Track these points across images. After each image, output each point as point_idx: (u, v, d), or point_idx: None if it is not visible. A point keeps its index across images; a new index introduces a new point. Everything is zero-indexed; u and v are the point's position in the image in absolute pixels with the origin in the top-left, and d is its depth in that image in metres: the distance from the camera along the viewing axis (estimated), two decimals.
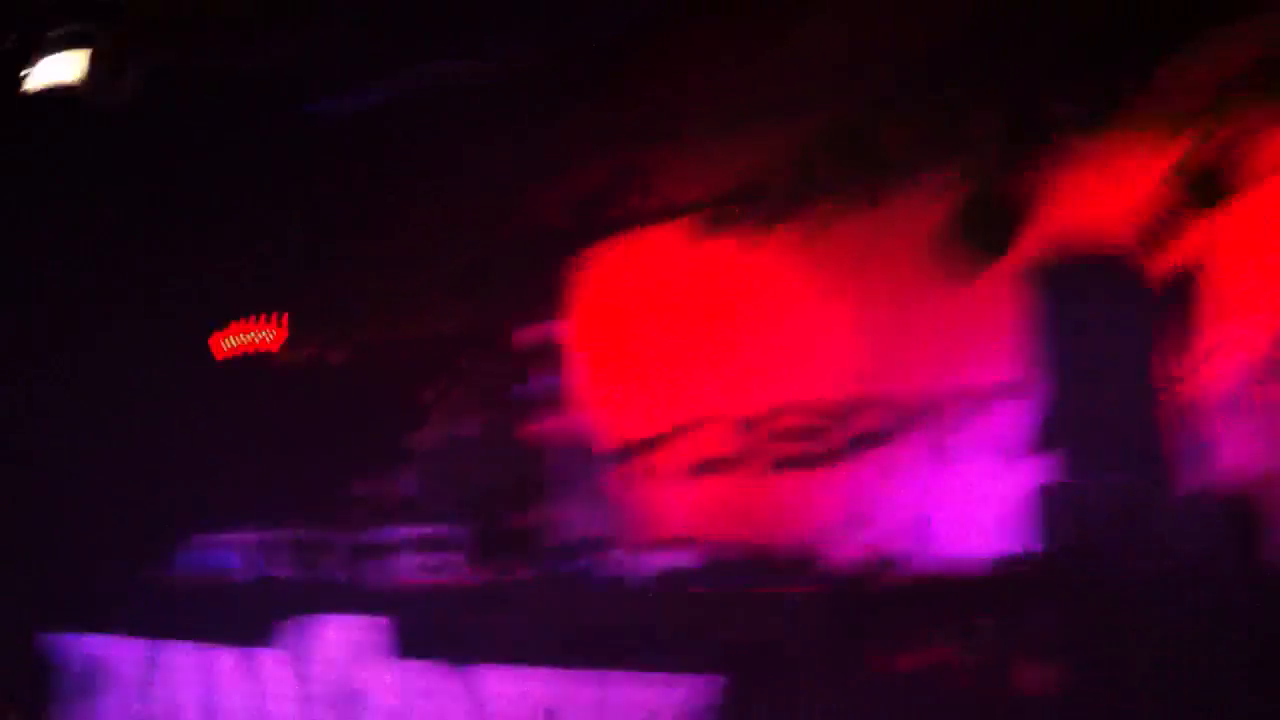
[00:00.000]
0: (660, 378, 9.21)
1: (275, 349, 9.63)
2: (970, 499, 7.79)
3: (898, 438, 8.22)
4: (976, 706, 5.02)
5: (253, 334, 9.60)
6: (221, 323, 9.66)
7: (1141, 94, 6.21)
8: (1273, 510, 5.54)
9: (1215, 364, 6.54)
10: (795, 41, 6.84)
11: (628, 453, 7.63)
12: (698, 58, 6.70)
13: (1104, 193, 7.17)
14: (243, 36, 6.92)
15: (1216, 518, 5.17)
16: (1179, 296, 5.80)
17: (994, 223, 6.54)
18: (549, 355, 7.47)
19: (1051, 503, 5.26)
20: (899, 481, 7.81)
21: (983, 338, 7.76)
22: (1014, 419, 7.58)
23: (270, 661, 6.66)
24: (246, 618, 6.87)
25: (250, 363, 9.67)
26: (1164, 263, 5.36)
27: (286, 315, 9.60)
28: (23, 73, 6.73)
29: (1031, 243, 6.23)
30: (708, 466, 9.05)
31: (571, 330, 7.46)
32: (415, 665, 5.95)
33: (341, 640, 6.36)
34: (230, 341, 9.63)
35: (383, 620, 6.20)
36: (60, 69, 6.65)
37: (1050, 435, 5.47)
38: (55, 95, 6.77)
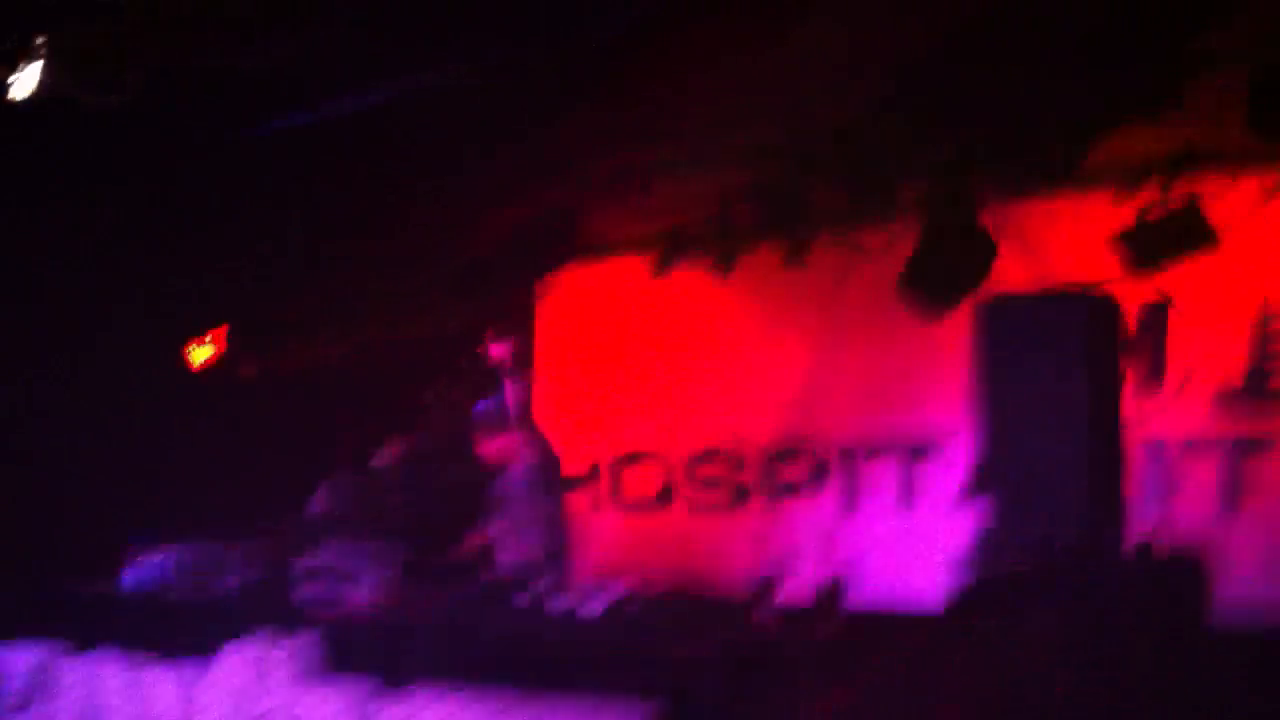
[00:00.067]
0: (600, 409, 9.22)
1: (211, 363, 9.57)
2: (903, 546, 7.81)
3: (830, 482, 8.24)
4: None
5: (195, 350, 9.55)
6: (216, 326, 9.65)
7: (1091, 153, 6.23)
8: (1218, 565, 5.54)
9: (1163, 416, 6.58)
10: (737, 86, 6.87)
11: (562, 482, 7.62)
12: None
13: (1052, 248, 7.19)
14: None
15: (1160, 571, 5.17)
16: (1128, 349, 5.82)
17: (937, 274, 6.55)
18: (491, 377, 7.45)
19: (982, 555, 5.22)
20: (827, 528, 7.84)
21: (923, 384, 7.79)
22: (950, 468, 7.59)
23: (183, 680, 6.55)
24: (167, 635, 6.76)
25: (225, 372, 9.64)
26: (1112, 317, 5.34)
27: (225, 328, 9.56)
28: (10, 80, 6.71)
29: (976, 293, 6.24)
30: (637, 503, 9.07)
31: (515, 354, 7.47)
32: (326, 690, 5.86)
33: (255, 662, 6.25)
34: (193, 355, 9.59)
35: (297, 642, 6.09)
36: (31, 79, 6.63)
37: (987, 485, 5.43)
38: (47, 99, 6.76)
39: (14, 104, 6.76)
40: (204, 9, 6.70)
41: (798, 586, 5.37)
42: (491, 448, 7.35)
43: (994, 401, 5.33)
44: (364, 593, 6.18)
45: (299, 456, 9.05)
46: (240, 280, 9.43)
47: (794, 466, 8.42)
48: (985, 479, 5.41)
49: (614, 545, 9.02)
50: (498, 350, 7.44)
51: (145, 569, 7.18)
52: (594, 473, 9.22)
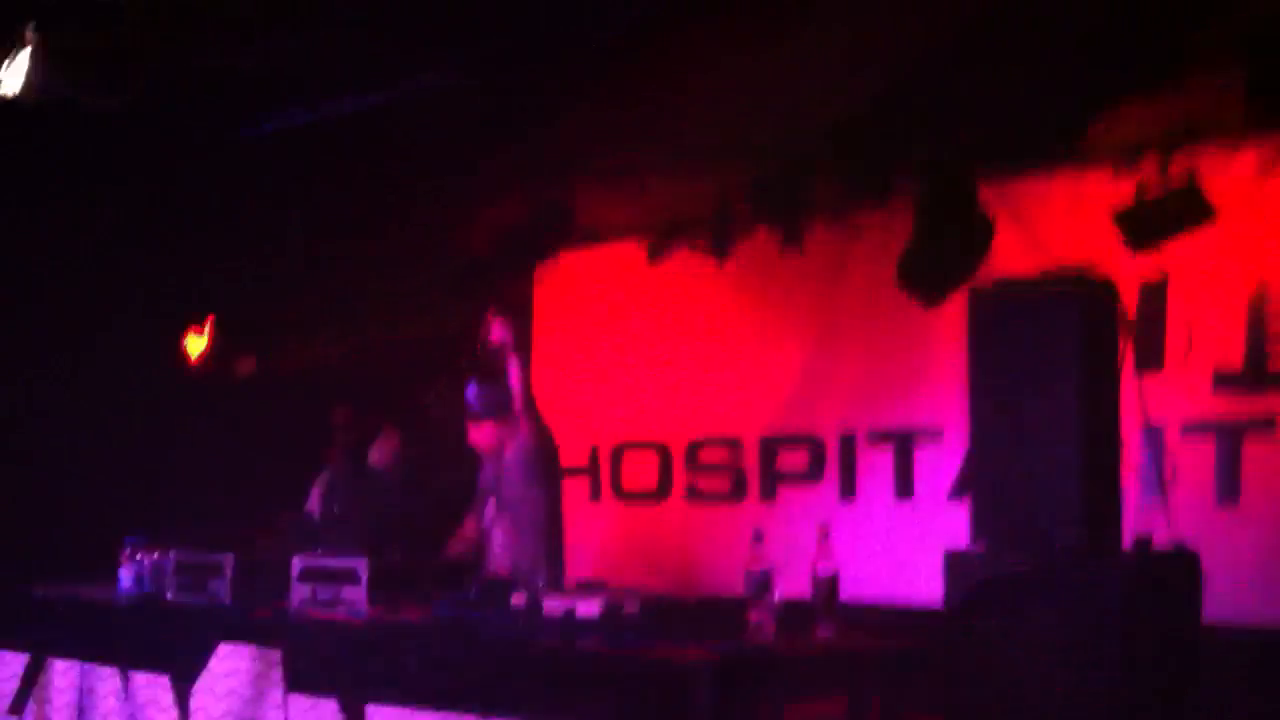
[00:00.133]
0: (598, 397, 9.21)
1: (206, 354, 9.56)
2: (902, 536, 7.78)
3: (830, 470, 8.21)
4: None
5: (189, 341, 9.55)
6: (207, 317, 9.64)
7: (1088, 130, 6.21)
8: (1217, 549, 5.51)
9: (1161, 397, 6.55)
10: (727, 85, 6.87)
11: (559, 469, 7.60)
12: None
13: (1050, 227, 7.17)
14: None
15: (1158, 557, 5.14)
16: (1126, 329, 5.80)
17: (935, 258, 6.54)
18: (487, 361, 7.39)
19: (969, 557, 5.20)
20: (825, 517, 7.85)
21: (923, 370, 7.75)
22: (950, 455, 7.57)
23: (152, 687, 6.52)
24: (146, 640, 6.72)
25: (223, 371, 9.64)
26: (1110, 297, 5.33)
27: (211, 317, 9.54)
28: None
29: (973, 276, 6.21)
30: (635, 493, 9.06)
31: (514, 336, 7.43)
32: (319, 693, 5.82)
33: (230, 669, 6.20)
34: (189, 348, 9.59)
35: (291, 644, 6.04)
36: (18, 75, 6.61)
37: (982, 472, 5.40)
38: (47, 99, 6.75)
39: (14, 104, 6.76)
40: (204, 9, 6.71)
41: (795, 578, 5.34)
42: (486, 434, 7.23)
43: (990, 386, 5.28)
44: (354, 600, 6.13)
45: (296, 457, 9.05)
46: (240, 280, 9.44)
47: (792, 454, 8.40)
48: (981, 466, 5.38)
49: (612, 534, 9.02)
50: (498, 331, 7.33)
51: (139, 569, 7.15)
52: (592, 462, 9.23)
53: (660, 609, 5.16)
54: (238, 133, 8.14)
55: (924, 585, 5.62)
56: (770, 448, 8.50)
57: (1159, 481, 5.98)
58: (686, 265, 8.50)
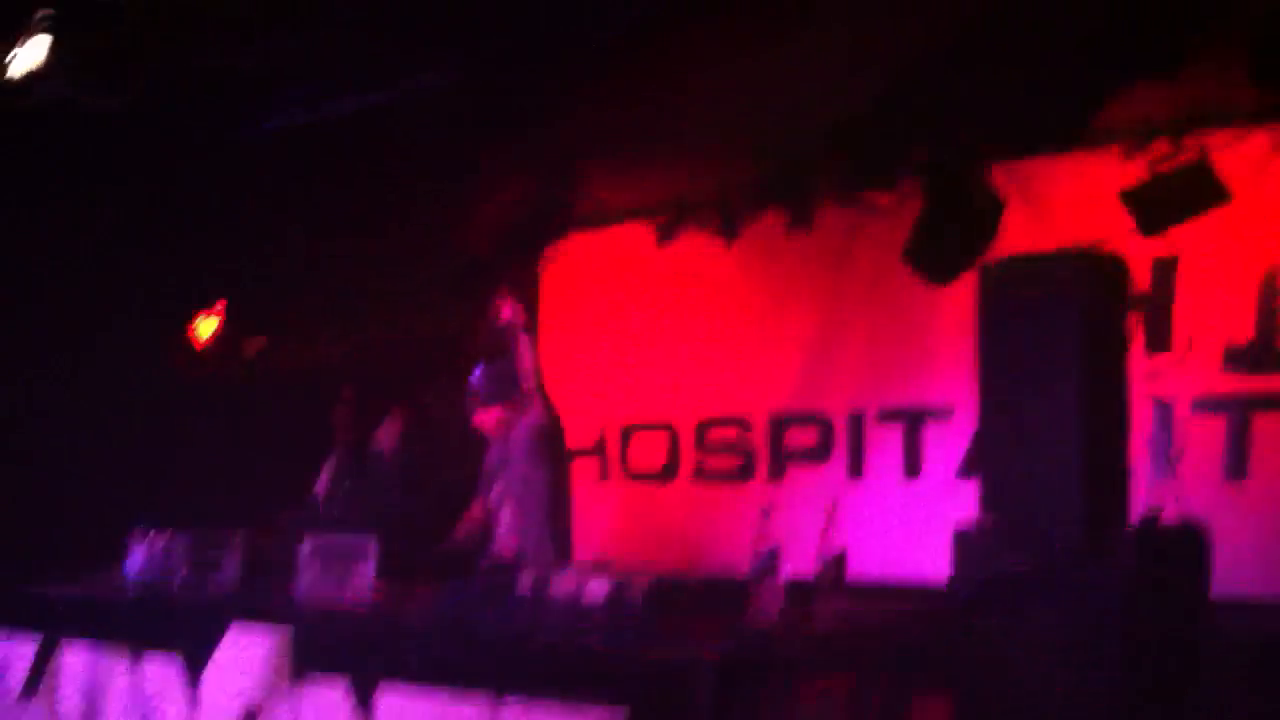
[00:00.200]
0: (606, 379, 9.19)
1: (210, 340, 9.53)
2: (909, 515, 7.79)
3: (837, 450, 8.21)
4: None
5: (199, 324, 9.53)
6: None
7: (1099, 112, 6.20)
8: (1224, 526, 5.50)
9: (1170, 374, 6.56)
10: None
11: (566, 451, 7.57)
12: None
13: (1060, 208, 7.17)
14: (243, 36, 6.92)
15: (1166, 536, 5.14)
16: (1136, 308, 5.79)
17: (944, 237, 6.53)
18: (487, 357, 7.39)
19: (975, 536, 5.19)
20: (833, 496, 7.85)
21: (931, 349, 7.76)
22: (958, 434, 7.57)
23: (163, 669, 6.54)
24: (158, 626, 6.74)
25: (230, 363, 9.65)
26: (1119, 276, 5.32)
27: (223, 301, 9.53)
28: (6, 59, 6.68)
29: (983, 255, 6.21)
30: (643, 473, 9.05)
31: (523, 316, 7.41)
32: (324, 681, 5.83)
33: (241, 652, 6.21)
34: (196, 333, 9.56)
35: (285, 632, 6.05)
36: (31, 55, 6.59)
37: (989, 452, 5.40)
38: (47, 92, 6.73)
39: (14, 104, 6.76)
40: (204, 9, 6.70)
41: (802, 557, 5.33)
42: (493, 416, 7.20)
43: (998, 365, 5.26)
44: (362, 583, 6.13)
45: (297, 455, 9.06)
46: (241, 280, 9.45)
47: (801, 433, 8.40)
48: (987, 443, 5.38)
49: (620, 515, 9.01)
50: (507, 312, 7.32)
51: (144, 558, 7.16)
52: (600, 443, 9.21)
53: (665, 592, 5.14)
54: (238, 133, 8.13)
55: (931, 564, 5.62)
56: (778, 427, 8.50)
57: (1167, 457, 5.97)
58: (694, 246, 8.49)
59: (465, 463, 7.67)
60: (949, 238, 6.49)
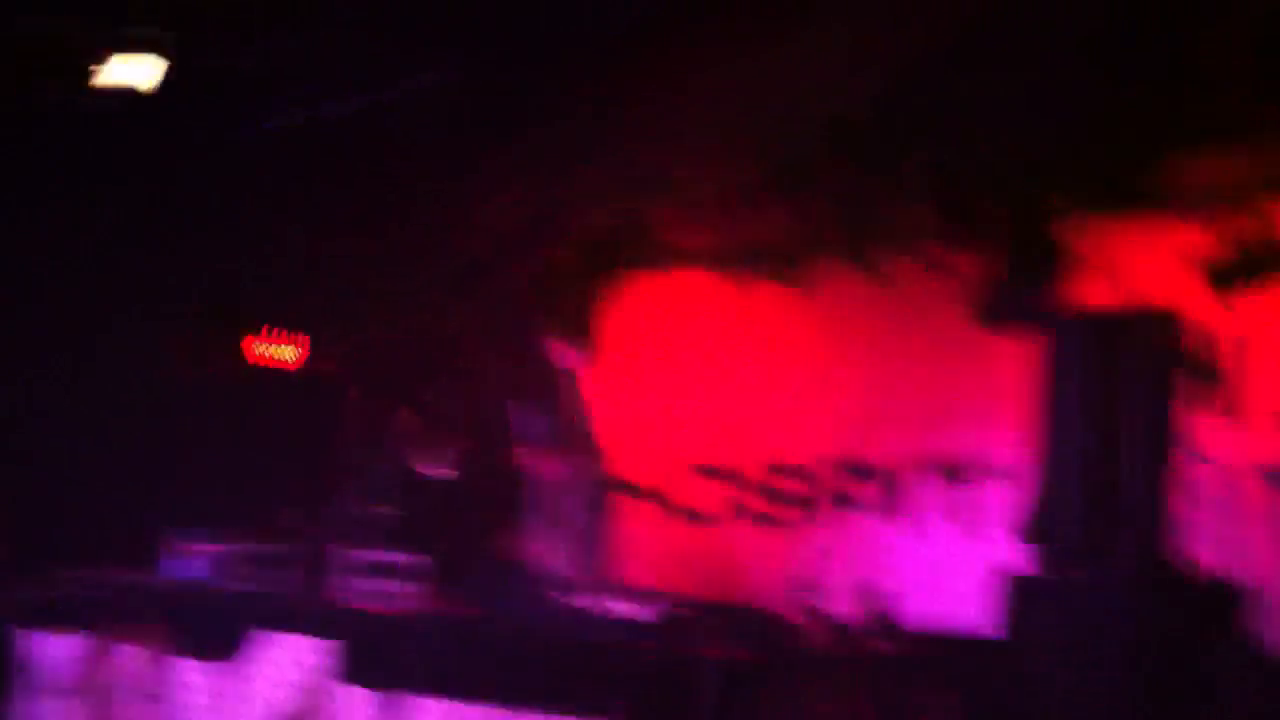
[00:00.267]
0: (665, 421, 9.21)
1: (293, 368, 9.56)
2: (945, 572, 7.80)
3: (894, 506, 8.24)
4: None
5: (276, 348, 9.55)
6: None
7: (1172, 175, 6.22)
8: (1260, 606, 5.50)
9: (1234, 440, 6.54)
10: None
11: (607, 494, 7.62)
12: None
13: (1130, 269, 7.17)
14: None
15: (1221, 597, 5.15)
16: (1200, 372, 5.78)
17: (1002, 297, 6.57)
18: (541, 387, 7.42)
19: (1022, 587, 5.20)
20: (873, 547, 7.84)
21: (993, 403, 7.76)
22: (1018, 498, 7.56)
23: (217, 676, 6.56)
24: (201, 629, 6.77)
25: (244, 366, 9.65)
26: (1181, 346, 5.32)
27: (307, 337, 9.52)
28: (92, 67, 6.70)
29: (1051, 312, 6.24)
30: (686, 515, 9.07)
31: (567, 365, 7.45)
32: (362, 691, 5.86)
33: (291, 660, 6.25)
34: (259, 349, 9.57)
35: (334, 642, 6.10)
36: (133, 73, 6.63)
37: (1035, 516, 5.41)
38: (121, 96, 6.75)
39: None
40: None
41: (851, 601, 5.38)
42: (541, 459, 7.32)
43: (1061, 421, 5.32)
44: (403, 591, 6.22)
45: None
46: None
47: (857, 482, 8.45)
48: (1047, 500, 5.41)
49: (672, 557, 9.02)
50: (562, 357, 7.39)
51: (185, 562, 7.22)
52: (659, 483, 9.24)
53: (713, 614, 5.20)
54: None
55: (979, 613, 5.64)
56: (834, 473, 8.55)
57: (1232, 520, 5.99)
58: (760, 290, 8.54)
59: (511, 482, 7.72)
60: (1021, 284, 6.52)
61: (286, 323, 9.55)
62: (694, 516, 9.12)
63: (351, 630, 6.14)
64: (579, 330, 8.37)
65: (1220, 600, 5.14)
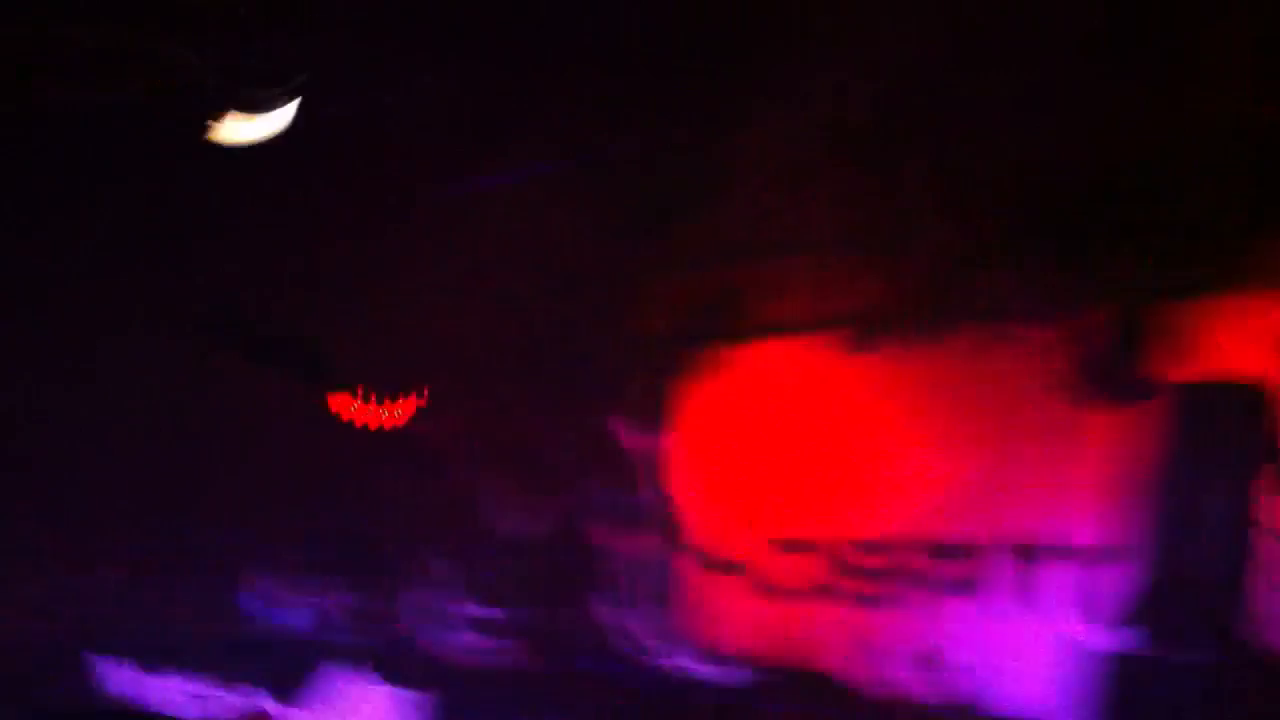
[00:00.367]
0: (749, 496, 9.17)
1: (403, 423, 9.39)
2: (1041, 657, 7.77)
3: (975, 584, 8.21)
4: None
5: (385, 410, 9.35)
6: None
7: (1262, 255, 6.24)
8: None
9: None
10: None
11: (700, 564, 7.64)
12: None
13: (1223, 352, 7.17)
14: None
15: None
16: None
17: (1106, 376, 6.59)
18: (635, 458, 7.46)
19: (1129, 674, 5.21)
20: (969, 629, 7.81)
21: (1081, 492, 7.72)
22: (1102, 579, 7.55)
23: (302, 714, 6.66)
24: (293, 675, 6.86)
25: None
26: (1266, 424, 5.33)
27: (426, 390, 9.37)
28: (211, 119, 6.77)
29: (1143, 399, 6.25)
30: (777, 590, 9.05)
31: (662, 438, 7.46)
32: None
33: (383, 711, 6.33)
34: (354, 409, 9.40)
35: (426, 695, 6.20)
36: (248, 130, 6.70)
37: (1140, 600, 5.41)
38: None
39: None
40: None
41: (927, 678, 5.41)
42: (619, 538, 7.41)
43: (1162, 504, 5.32)
44: (496, 647, 6.35)
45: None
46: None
47: (937, 559, 8.42)
48: (1147, 585, 5.39)
49: (753, 628, 8.97)
50: (636, 442, 7.47)
51: (286, 611, 7.36)
52: (738, 557, 9.19)
53: (809, 684, 5.22)
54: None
55: (1061, 698, 5.57)
56: (914, 549, 8.52)
57: None
58: (844, 364, 8.50)
59: (597, 565, 7.80)
60: (1118, 362, 6.54)
61: (380, 384, 9.46)
62: (774, 590, 9.12)
63: (444, 682, 6.25)
64: (661, 407, 8.38)
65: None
